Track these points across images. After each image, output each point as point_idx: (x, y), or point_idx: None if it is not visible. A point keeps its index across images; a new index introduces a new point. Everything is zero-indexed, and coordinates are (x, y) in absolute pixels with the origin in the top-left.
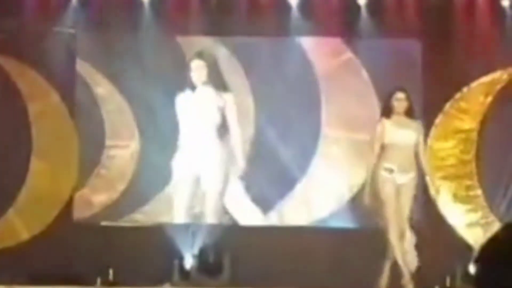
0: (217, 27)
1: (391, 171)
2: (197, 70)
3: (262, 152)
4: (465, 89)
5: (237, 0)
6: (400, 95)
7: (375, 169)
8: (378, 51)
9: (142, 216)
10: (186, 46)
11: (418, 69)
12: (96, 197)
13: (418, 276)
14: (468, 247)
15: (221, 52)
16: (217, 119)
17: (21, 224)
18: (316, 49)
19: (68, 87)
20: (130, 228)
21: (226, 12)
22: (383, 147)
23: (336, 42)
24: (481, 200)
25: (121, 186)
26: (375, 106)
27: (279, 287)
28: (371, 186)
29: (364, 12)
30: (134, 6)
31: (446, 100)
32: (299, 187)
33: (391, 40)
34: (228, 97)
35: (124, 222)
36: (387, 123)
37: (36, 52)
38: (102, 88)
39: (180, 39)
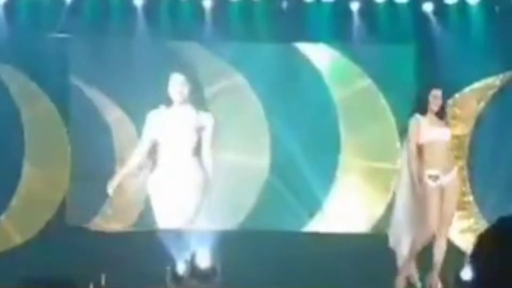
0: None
1: (436, 177)
2: (176, 84)
3: (281, 177)
4: (457, 95)
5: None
6: (437, 92)
7: (419, 176)
8: (371, 57)
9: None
10: (180, 53)
11: (410, 74)
12: (109, 226)
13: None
14: (460, 253)
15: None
16: (193, 141)
17: (14, 229)
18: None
19: (61, 93)
20: (122, 233)
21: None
22: (419, 149)
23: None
24: (473, 206)
25: (134, 216)
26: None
27: None
28: (412, 196)
29: (356, 17)
30: (127, 11)
31: None
32: (318, 216)
33: (383, 45)
34: (207, 118)
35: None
36: (422, 120)
37: (29, 57)
38: (97, 95)
39: (173, 44)
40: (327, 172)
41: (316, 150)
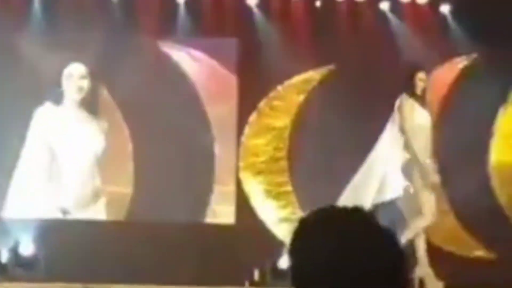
0: None
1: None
2: (73, 79)
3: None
4: (279, 88)
5: None
6: (422, 75)
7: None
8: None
9: None
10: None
11: (234, 67)
12: None
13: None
14: (278, 242)
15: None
16: (94, 154)
17: None
18: None
19: None
20: None
21: None
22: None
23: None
24: (292, 196)
25: None
26: None
27: (96, 282)
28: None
29: (182, 11)
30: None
31: (261, 98)
32: None
33: (208, 39)
34: (104, 127)
35: None
36: (410, 101)
37: None
38: None
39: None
40: None
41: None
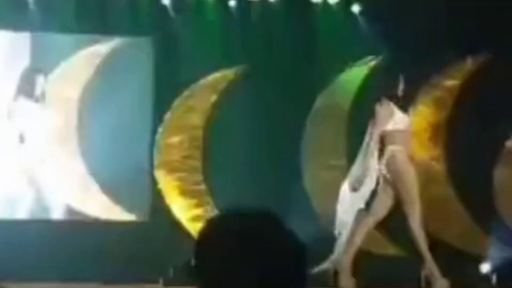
0: None
1: (401, 152)
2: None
3: None
4: (193, 87)
5: None
6: (401, 77)
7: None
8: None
9: None
10: None
11: (149, 66)
12: None
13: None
14: (192, 240)
15: None
16: None
17: None
18: None
19: None
20: None
21: None
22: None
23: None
24: (205, 195)
25: None
26: None
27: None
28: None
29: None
30: None
31: (176, 97)
32: None
33: (122, 38)
34: None
35: None
36: (389, 105)
37: None
38: None
39: None
40: None
41: None
